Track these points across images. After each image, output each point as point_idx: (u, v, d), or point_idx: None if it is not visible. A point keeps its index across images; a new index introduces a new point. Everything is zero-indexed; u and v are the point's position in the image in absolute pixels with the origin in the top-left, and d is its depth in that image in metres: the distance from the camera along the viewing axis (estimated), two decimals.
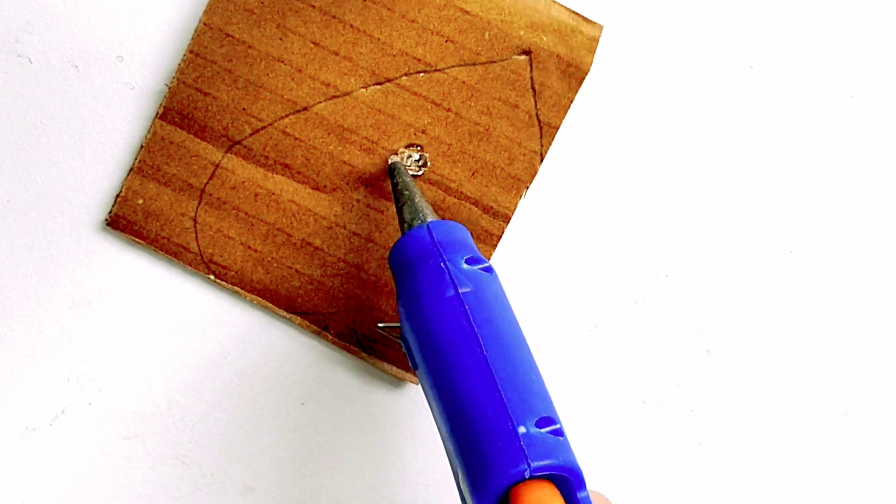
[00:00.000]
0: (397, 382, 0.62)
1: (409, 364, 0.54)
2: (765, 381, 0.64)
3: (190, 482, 0.63)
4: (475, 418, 0.48)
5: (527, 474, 0.47)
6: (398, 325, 0.57)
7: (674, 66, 0.62)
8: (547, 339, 0.63)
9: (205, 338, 0.62)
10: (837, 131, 0.63)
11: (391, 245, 0.60)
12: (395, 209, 0.58)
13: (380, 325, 0.58)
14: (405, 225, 0.56)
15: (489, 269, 0.53)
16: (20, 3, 0.60)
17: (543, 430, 0.48)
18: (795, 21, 0.62)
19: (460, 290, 0.51)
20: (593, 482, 0.62)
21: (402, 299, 0.53)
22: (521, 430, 0.47)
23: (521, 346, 0.51)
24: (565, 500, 0.48)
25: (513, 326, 0.52)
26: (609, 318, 0.63)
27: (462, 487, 0.49)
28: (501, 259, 0.62)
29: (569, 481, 0.48)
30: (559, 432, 0.48)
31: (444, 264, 0.52)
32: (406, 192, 0.57)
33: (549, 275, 0.62)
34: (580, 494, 0.48)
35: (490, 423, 0.48)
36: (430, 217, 0.55)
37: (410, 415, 0.63)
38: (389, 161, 0.59)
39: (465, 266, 0.53)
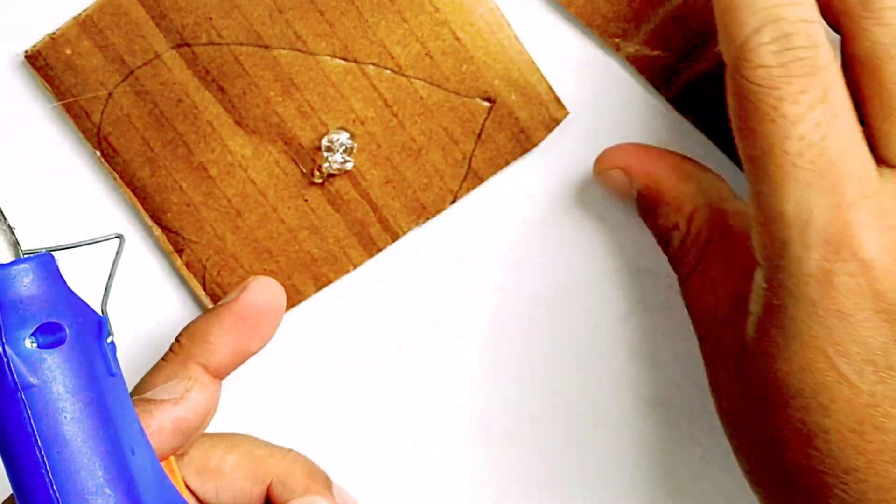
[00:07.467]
0: None
1: None
2: None
3: None
4: None
5: None
6: None
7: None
8: (547, 338, 0.62)
9: None
10: None
11: (280, 206, 0.60)
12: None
13: None
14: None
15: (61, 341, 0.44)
16: None
17: None
18: None
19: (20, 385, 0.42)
20: (593, 482, 0.62)
21: None
22: None
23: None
24: None
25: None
26: (609, 318, 0.62)
27: None
28: (503, 258, 0.61)
29: None
30: None
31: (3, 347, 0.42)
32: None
33: (549, 275, 0.62)
34: None
35: None
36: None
37: None
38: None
39: (28, 346, 0.43)
